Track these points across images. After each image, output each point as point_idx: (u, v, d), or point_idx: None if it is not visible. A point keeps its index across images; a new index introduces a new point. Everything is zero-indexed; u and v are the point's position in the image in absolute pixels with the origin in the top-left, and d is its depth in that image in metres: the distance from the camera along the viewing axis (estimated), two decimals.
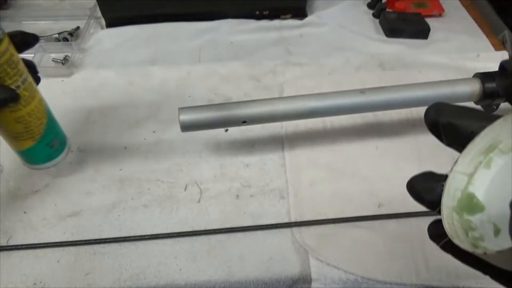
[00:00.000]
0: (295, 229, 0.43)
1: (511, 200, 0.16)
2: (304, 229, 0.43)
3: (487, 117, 0.21)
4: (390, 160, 0.49)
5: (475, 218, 0.20)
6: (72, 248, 0.42)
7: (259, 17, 0.69)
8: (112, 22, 0.68)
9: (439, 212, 0.21)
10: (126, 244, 0.42)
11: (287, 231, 0.43)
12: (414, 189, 0.23)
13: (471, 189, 0.20)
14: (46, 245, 0.42)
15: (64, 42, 0.63)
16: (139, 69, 0.61)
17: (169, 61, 0.63)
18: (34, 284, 0.39)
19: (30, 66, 0.42)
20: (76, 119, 0.54)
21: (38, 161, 0.47)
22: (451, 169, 0.21)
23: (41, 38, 0.64)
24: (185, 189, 0.47)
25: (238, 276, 0.40)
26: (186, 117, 0.42)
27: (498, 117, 0.20)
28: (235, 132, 0.52)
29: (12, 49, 0.37)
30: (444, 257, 0.42)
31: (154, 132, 0.52)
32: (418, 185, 0.23)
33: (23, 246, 0.42)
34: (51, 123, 0.45)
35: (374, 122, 0.53)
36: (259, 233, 0.43)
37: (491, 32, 0.68)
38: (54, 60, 0.62)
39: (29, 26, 0.69)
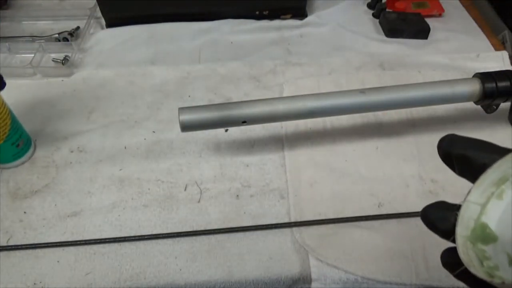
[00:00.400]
0: (295, 229, 0.43)
1: None
2: (304, 229, 0.43)
3: (499, 149, 0.21)
4: (390, 160, 0.49)
5: (488, 248, 0.20)
6: (72, 248, 0.42)
7: (259, 17, 0.69)
8: (112, 22, 0.68)
9: (453, 241, 0.21)
10: (126, 244, 0.42)
11: (287, 231, 0.43)
12: (428, 219, 0.23)
13: (484, 219, 0.20)
14: (46, 245, 0.42)
15: (64, 42, 0.63)
16: (139, 69, 0.61)
17: (169, 61, 0.63)
18: (34, 284, 0.39)
19: None
20: (76, 119, 0.54)
21: (6, 160, 0.47)
22: (465, 199, 0.21)
23: (41, 38, 0.64)
24: (185, 189, 0.47)
25: (238, 276, 0.40)
26: (186, 117, 0.42)
27: (510, 150, 0.21)
28: (235, 132, 0.52)
29: None
30: None
31: (154, 132, 0.52)
32: (432, 214, 0.23)
33: (23, 246, 0.42)
34: (14, 124, 0.46)
35: (374, 122, 0.53)
36: (259, 233, 0.43)
37: (491, 32, 0.68)
38: (54, 60, 0.62)
39: (29, 26, 0.69)
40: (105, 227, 0.43)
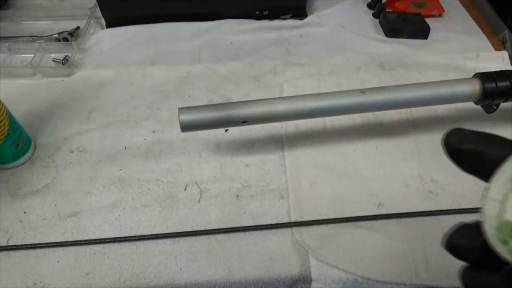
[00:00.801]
0: (295, 229, 0.43)
1: None
2: (304, 229, 0.43)
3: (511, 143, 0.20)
4: (390, 160, 0.49)
5: None
6: (72, 248, 0.42)
7: (259, 17, 0.69)
8: (112, 22, 0.68)
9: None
10: (126, 244, 0.42)
11: (287, 231, 0.43)
12: (458, 252, 0.22)
13: (506, 216, 0.20)
14: (46, 245, 0.42)
15: (64, 42, 0.63)
16: (139, 69, 0.61)
17: (169, 61, 0.63)
18: (34, 284, 0.39)
19: None
20: (76, 119, 0.54)
21: (5, 160, 0.47)
22: (484, 196, 0.20)
23: (41, 38, 0.64)
24: (185, 189, 0.47)
25: (238, 276, 0.40)
26: (186, 117, 0.42)
27: None
28: (235, 132, 0.52)
29: None
30: (444, 257, 0.42)
31: (154, 132, 0.52)
32: (461, 246, 0.21)
33: (23, 246, 0.42)
34: (13, 124, 0.46)
35: (374, 122, 0.53)
36: (259, 233, 0.43)
37: (491, 32, 0.68)
38: (54, 60, 0.62)
39: (29, 26, 0.69)
40: (105, 227, 0.43)
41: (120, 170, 0.48)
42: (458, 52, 0.63)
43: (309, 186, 0.46)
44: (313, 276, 0.40)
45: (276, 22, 0.69)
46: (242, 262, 0.41)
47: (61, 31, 0.65)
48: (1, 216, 0.44)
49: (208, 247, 0.42)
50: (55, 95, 0.57)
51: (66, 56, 0.61)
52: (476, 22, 0.69)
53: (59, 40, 0.64)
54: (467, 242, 0.21)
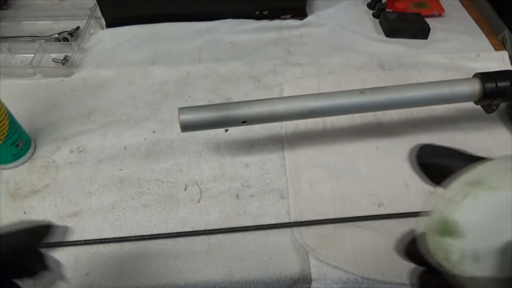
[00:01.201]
0: (295, 229, 0.43)
1: None
2: (304, 229, 0.43)
3: (477, 158, 0.23)
4: (390, 160, 0.49)
5: (455, 242, 0.21)
6: (72, 248, 0.42)
7: (259, 17, 0.69)
8: (112, 22, 0.68)
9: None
10: (126, 244, 0.42)
11: (287, 231, 0.43)
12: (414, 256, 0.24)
13: (455, 215, 0.21)
14: (46, 245, 0.42)
15: (64, 42, 0.63)
16: (139, 69, 0.61)
17: (169, 61, 0.63)
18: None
19: None
20: (76, 119, 0.54)
21: (5, 160, 0.47)
22: (440, 195, 0.22)
23: (41, 38, 0.64)
24: (185, 189, 0.47)
25: (238, 276, 0.40)
26: (186, 117, 0.42)
27: (486, 159, 0.22)
28: (235, 132, 0.52)
29: None
30: None
31: (154, 132, 0.52)
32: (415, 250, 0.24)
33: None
34: (13, 124, 0.46)
35: (374, 122, 0.53)
36: (259, 233, 0.43)
37: (491, 32, 0.68)
38: (54, 60, 0.62)
39: (29, 26, 0.69)
40: (105, 227, 0.43)
41: (120, 170, 0.48)
42: (458, 52, 0.63)
43: (309, 186, 0.46)
44: (313, 276, 0.40)
45: (276, 22, 0.69)
46: (242, 262, 0.41)
47: (61, 31, 0.65)
48: (1, 216, 0.44)
49: (208, 247, 0.42)
50: (55, 95, 0.57)
51: (66, 56, 0.61)
52: (476, 22, 0.69)
53: (59, 40, 0.64)
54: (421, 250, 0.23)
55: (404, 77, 0.58)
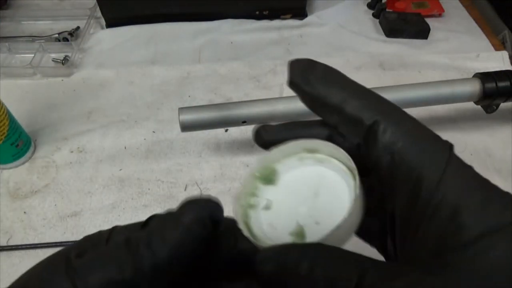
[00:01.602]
0: None
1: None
2: None
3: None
4: None
5: (266, 189, 0.22)
6: None
7: (259, 17, 0.69)
8: (112, 22, 0.68)
9: None
10: None
11: None
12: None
13: (277, 167, 0.23)
14: (46, 245, 0.42)
15: (64, 42, 0.63)
16: (139, 69, 0.61)
17: (169, 61, 0.63)
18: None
19: None
20: (76, 119, 0.54)
21: (5, 160, 0.47)
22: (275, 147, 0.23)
23: (41, 38, 0.64)
24: (185, 189, 0.47)
25: None
26: (186, 117, 0.42)
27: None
28: (235, 132, 0.52)
29: None
30: None
31: (154, 132, 0.52)
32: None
33: (23, 246, 0.42)
34: (13, 124, 0.46)
35: None
36: None
37: (491, 32, 0.68)
38: (54, 60, 0.62)
39: (29, 26, 0.69)
40: (105, 227, 0.43)
41: (120, 170, 0.48)
42: (458, 52, 0.63)
43: None
44: None
45: (276, 22, 0.69)
46: None
47: (61, 31, 0.65)
48: (1, 216, 0.44)
49: None
50: (55, 95, 0.57)
51: (66, 56, 0.61)
52: (476, 22, 0.69)
53: (59, 40, 0.64)
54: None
55: (404, 77, 0.58)
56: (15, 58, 0.63)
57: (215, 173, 0.48)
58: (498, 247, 0.15)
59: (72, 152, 0.50)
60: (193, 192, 0.46)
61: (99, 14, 0.68)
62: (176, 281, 0.19)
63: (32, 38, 0.64)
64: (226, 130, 0.52)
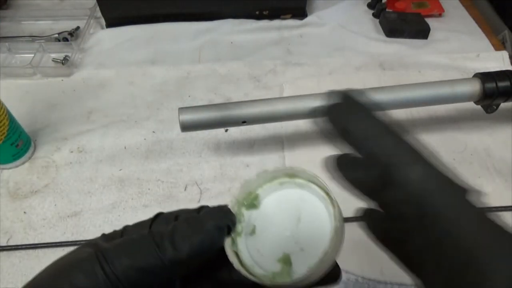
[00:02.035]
0: None
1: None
2: None
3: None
4: None
5: (249, 213, 0.23)
6: (72, 249, 0.42)
7: (259, 17, 0.69)
8: (112, 22, 0.68)
9: None
10: None
11: None
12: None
13: (259, 191, 0.24)
14: (46, 245, 0.42)
15: (64, 42, 0.63)
16: (139, 69, 0.61)
17: (169, 61, 0.63)
18: None
19: None
20: (76, 119, 0.54)
21: (5, 160, 0.47)
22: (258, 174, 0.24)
23: (41, 38, 0.64)
24: (185, 189, 0.47)
25: None
26: (186, 117, 0.42)
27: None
28: (235, 132, 0.52)
29: None
30: None
31: (154, 132, 0.52)
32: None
33: (23, 246, 0.42)
34: (13, 124, 0.46)
35: None
36: None
37: (491, 32, 0.68)
38: (54, 60, 0.62)
39: (29, 26, 0.69)
40: (105, 227, 0.43)
41: (120, 170, 0.48)
42: (458, 52, 0.63)
43: None
44: None
45: (276, 22, 0.69)
46: None
47: (61, 31, 0.65)
48: (1, 216, 0.44)
49: None
50: (55, 95, 0.57)
51: (66, 56, 0.61)
52: (476, 22, 0.69)
53: (59, 40, 0.64)
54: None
55: (404, 77, 0.58)
56: (15, 58, 0.63)
57: (215, 173, 0.48)
58: None
59: (72, 152, 0.50)
60: (193, 192, 0.46)
61: (99, 14, 0.68)
62: (185, 276, 0.21)
63: (32, 38, 0.64)
64: (226, 130, 0.52)
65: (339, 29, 0.68)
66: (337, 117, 0.22)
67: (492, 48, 0.64)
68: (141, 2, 0.65)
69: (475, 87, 0.45)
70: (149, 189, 0.47)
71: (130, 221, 0.44)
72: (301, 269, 0.20)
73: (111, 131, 0.53)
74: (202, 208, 0.24)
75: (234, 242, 0.22)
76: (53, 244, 0.42)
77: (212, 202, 0.46)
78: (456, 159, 0.49)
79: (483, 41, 0.66)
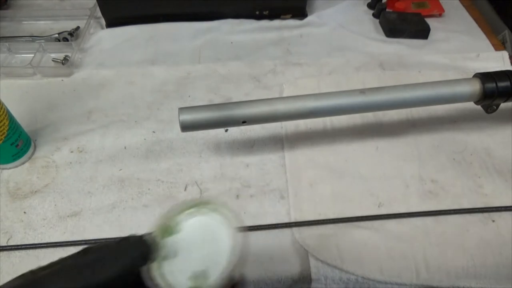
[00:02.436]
0: (295, 229, 0.43)
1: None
2: (304, 229, 0.43)
3: None
4: (390, 160, 0.49)
5: (169, 240, 0.26)
6: (72, 248, 0.42)
7: (259, 17, 0.69)
8: (112, 22, 0.68)
9: None
10: None
11: (287, 231, 0.43)
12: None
13: (178, 220, 0.27)
14: (46, 245, 0.42)
15: (64, 42, 0.63)
16: (139, 69, 0.61)
17: (169, 61, 0.63)
18: None
19: None
20: (76, 119, 0.54)
21: (5, 160, 0.47)
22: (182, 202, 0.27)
23: (41, 38, 0.64)
24: (185, 189, 0.47)
25: None
26: (186, 117, 0.42)
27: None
28: (235, 132, 0.52)
29: None
30: (444, 257, 0.42)
31: (154, 132, 0.52)
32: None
33: (23, 246, 0.42)
34: (12, 124, 0.46)
35: (374, 122, 0.53)
36: (259, 233, 0.43)
37: (491, 32, 0.68)
38: (54, 60, 0.62)
39: (29, 26, 0.69)
40: (105, 227, 0.43)
41: (120, 170, 0.48)
42: (458, 52, 0.63)
43: (309, 186, 0.46)
44: (313, 276, 0.40)
45: (276, 22, 0.69)
46: None
47: (61, 31, 0.65)
48: (1, 216, 0.44)
49: None
50: (55, 95, 0.57)
51: (66, 56, 0.61)
52: (476, 22, 0.69)
53: (59, 40, 0.64)
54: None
55: (404, 77, 0.58)
56: (15, 58, 0.63)
57: (215, 173, 0.48)
58: None
59: (72, 152, 0.50)
60: (193, 192, 0.46)
61: (99, 14, 0.68)
62: None
63: (32, 38, 0.64)
64: (226, 130, 0.52)
65: (339, 29, 0.68)
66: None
67: (492, 48, 0.64)
68: (141, 2, 0.65)
69: (475, 87, 0.45)
70: (149, 189, 0.47)
71: (130, 221, 0.44)
72: (206, 285, 0.24)
73: (111, 131, 0.53)
74: (127, 238, 0.25)
75: (161, 266, 0.25)
76: (53, 244, 0.42)
77: None
78: (456, 159, 0.49)
79: (483, 41, 0.66)
